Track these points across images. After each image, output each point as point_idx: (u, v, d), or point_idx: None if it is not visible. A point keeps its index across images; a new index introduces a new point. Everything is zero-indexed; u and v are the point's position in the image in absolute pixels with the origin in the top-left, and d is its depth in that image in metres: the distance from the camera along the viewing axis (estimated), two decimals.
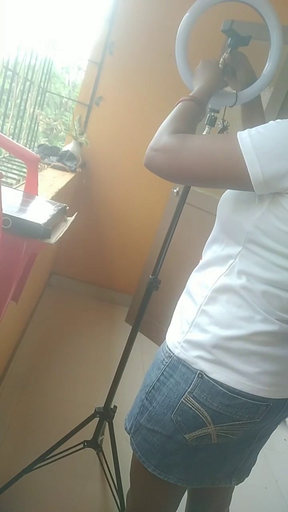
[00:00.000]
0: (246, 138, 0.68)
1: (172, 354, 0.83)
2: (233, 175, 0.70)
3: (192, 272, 0.89)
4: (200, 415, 0.79)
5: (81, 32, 2.67)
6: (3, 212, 0.76)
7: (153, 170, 0.77)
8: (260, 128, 0.69)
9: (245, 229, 0.74)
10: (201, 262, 0.86)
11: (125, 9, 2.49)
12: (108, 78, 2.60)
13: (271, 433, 0.93)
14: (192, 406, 0.79)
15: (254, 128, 0.70)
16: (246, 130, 0.70)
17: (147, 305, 1.34)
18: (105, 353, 2.40)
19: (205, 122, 1.04)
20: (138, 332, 1.39)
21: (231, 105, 0.99)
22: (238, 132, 0.71)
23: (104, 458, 1.54)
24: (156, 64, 2.53)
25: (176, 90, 2.47)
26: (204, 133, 1.04)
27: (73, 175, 2.31)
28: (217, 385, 0.76)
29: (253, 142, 0.67)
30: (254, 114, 1.05)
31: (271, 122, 0.70)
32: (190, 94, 0.88)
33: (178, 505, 0.99)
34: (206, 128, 1.05)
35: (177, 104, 0.86)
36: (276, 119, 0.70)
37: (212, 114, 1.03)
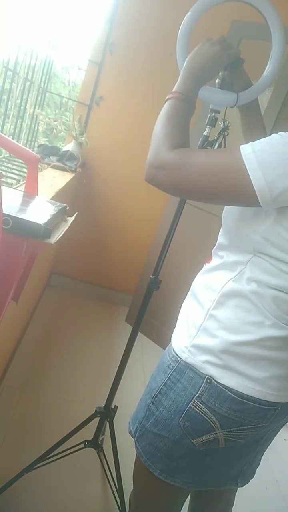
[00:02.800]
0: (251, 154, 0.66)
1: (179, 359, 0.82)
2: (238, 192, 0.68)
3: (198, 275, 0.88)
4: (209, 420, 0.78)
5: (81, 32, 2.67)
6: (3, 212, 0.76)
7: (156, 186, 0.75)
8: (264, 143, 0.67)
9: (252, 239, 0.73)
10: (208, 265, 0.85)
11: (125, 9, 2.48)
12: (108, 78, 2.60)
13: (275, 435, 0.93)
14: (200, 411, 0.78)
15: (257, 142, 0.67)
16: (249, 145, 0.67)
17: (147, 305, 1.34)
18: (105, 353, 2.40)
19: (206, 123, 1.03)
20: (139, 332, 1.39)
21: (232, 105, 0.99)
22: (241, 147, 0.68)
23: (105, 458, 1.54)
24: (156, 64, 2.53)
25: None
26: (205, 133, 1.04)
27: (73, 175, 2.31)
28: (226, 390, 0.76)
29: (258, 159, 0.65)
30: (253, 120, 1.04)
31: (274, 135, 0.68)
32: (176, 89, 0.83)
33: (182, 507, 0.99)
34: (207, 129, 1.03)
35: (165, 102, 0.83)
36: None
37: (213, 114, 1.02)
